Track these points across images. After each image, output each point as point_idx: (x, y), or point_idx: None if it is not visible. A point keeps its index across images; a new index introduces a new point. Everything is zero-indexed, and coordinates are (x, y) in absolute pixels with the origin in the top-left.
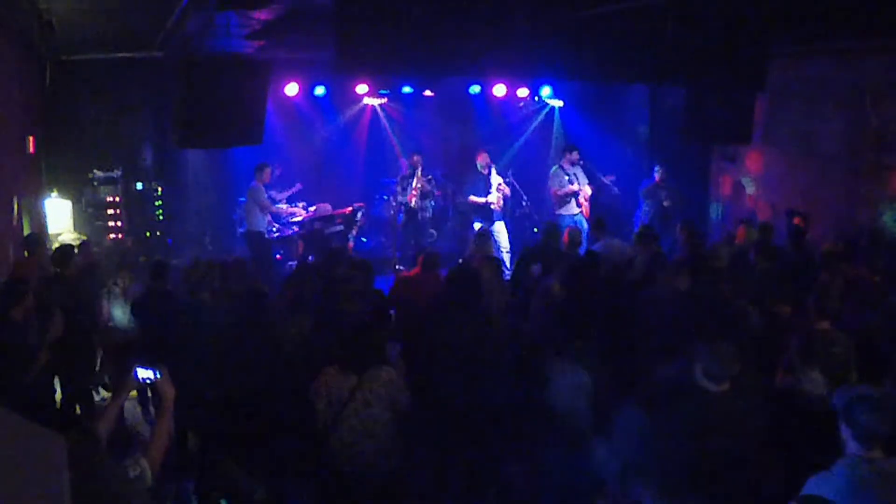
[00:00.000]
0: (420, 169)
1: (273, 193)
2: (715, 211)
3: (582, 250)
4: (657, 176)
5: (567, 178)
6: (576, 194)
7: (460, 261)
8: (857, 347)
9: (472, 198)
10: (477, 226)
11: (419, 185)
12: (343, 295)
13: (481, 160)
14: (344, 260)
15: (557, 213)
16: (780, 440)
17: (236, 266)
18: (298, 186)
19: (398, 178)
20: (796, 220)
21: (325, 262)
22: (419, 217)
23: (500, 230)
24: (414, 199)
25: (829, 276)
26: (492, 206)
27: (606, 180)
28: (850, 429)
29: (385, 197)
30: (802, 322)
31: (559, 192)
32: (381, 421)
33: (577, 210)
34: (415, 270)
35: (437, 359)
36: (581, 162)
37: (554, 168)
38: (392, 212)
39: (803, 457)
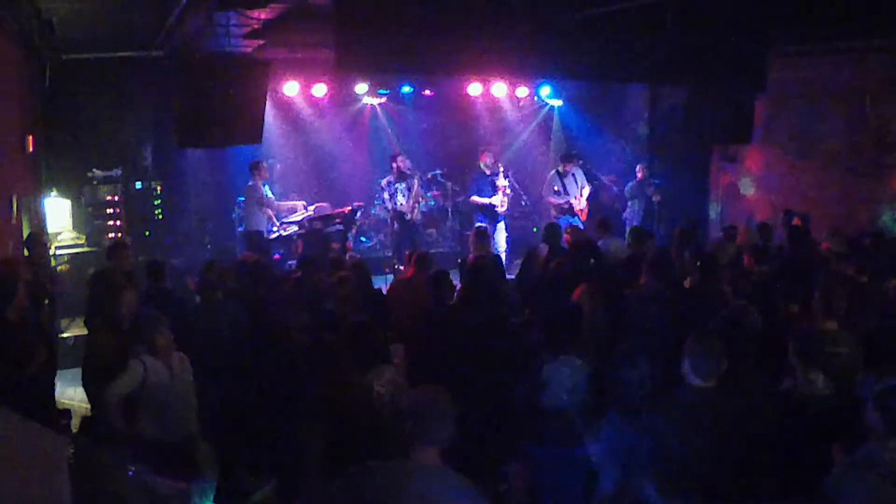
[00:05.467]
0: (417, 175)
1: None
2: (714, 211)
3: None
4: (640, 173)
5: (560, 187)
6: (570, 205)
7: (459, 260)
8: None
9: (475, 198)
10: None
11: (420, 194)
12: (339, 298)
13: (484, 160)
14: (324, 266)
15: (554, 216)
16: (778, 440)
17: (249, 265)
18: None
19: (384, 183)
20: (796, 222)
21: (305, 269)
22: (409, 219)
23: (499, 229)
24: (416, 208)
25: (832, 275)
26: (496, 209)
27: (606, 180)
28: (882, 415)
29: (385, 196)
30: (803, 322)
31: (551, 202)
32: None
33: (571, 216)
34: (409, 272)
35: (445, 359)
36: (580, 163)
37: (551, 173)
38: (388, 216)
39: (801, 457)
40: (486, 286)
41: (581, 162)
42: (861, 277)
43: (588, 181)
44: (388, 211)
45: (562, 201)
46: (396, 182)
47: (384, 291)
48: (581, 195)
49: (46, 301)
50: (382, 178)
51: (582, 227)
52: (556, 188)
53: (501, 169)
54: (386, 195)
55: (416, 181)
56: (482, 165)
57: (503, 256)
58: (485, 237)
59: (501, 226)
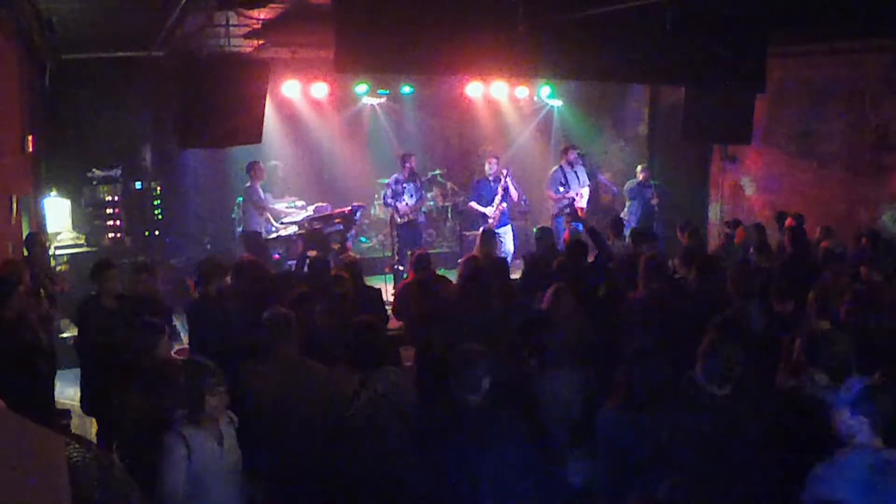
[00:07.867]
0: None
1: (269, 196)
2: (715, 211)
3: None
4: (641, 175)
5: (563, 183)
6: (571, 202)
7: (459, 261)
8: (858, 347)
9: (473, 205)
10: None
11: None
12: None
13: (490, 165)
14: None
15: (553, 214)
16: (783, 441)
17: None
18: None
19: (391, 181)
20: (789, 222)
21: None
22: (411, 219)
23: (505, 232)
24: (419, 210)
25: (831, 275)
26: (490, 221)
27: (605, 180)
28: (866, 419)
29: (388, 192)
30: (804, 321)
31: (555, 198)
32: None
33: (573, 219)
34: (410, 275)
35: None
36: (582, 160)
37: (553, 169)
38: (389, 214)
39: (806, 458)
40: (478, 291)
41: (587, 160)
42: (876, 277)
43: (588, 180)
44: (390, 208)
45: (564, 197)
46: (406, 182)
47: (383, 292)
48: (582, 194)
49: (46, 301)
50: (389, 176)
51: (582, 228)
52: (561, 183)
53: (505, 178)
54: (390, 192)
55: (423, 185)
56: (486, 170)
57: (509, 259)
58: (489, 239)
59: (508, 229)
